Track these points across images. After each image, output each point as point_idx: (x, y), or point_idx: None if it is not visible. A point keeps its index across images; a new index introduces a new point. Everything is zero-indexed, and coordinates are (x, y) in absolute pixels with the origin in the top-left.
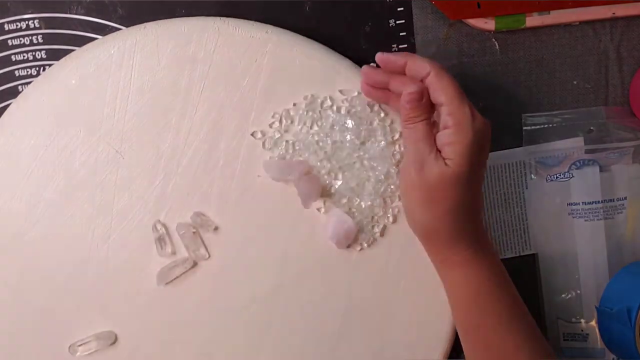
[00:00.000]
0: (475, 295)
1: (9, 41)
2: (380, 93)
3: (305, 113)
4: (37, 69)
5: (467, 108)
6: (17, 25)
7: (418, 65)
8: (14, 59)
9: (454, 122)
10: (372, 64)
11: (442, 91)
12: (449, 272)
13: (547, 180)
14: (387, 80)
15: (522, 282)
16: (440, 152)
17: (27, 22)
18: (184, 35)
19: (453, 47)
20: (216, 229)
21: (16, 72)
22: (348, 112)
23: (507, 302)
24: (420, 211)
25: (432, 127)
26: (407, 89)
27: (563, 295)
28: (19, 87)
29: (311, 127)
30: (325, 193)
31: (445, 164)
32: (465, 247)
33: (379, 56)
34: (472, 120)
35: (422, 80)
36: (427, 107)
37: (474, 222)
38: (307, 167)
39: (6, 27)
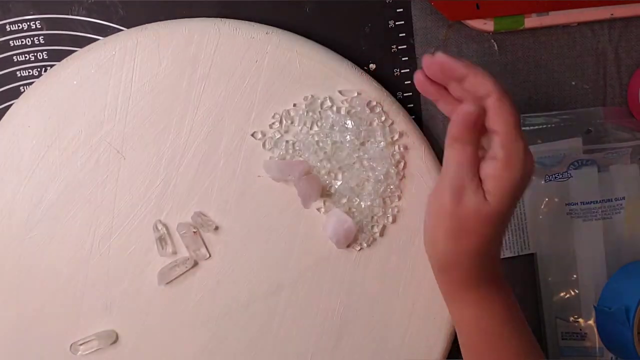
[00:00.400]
0: (485, 335)
1: (11, 42)
2: (435, 88)
3: (305, 113)
4: (39, 69)
5: (522, 144)
6: (18, 26)
7: (480, 81)
8: (15, 60)
9: (506, 156)
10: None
11: (501, 119)
12: (459, 310)
13: (545, 180)
14: (448, 80)
15: (520, 281)
16: (481, 182)
17: (28, 23)
18: (184, 36)
19: (452, 48)
20: (216, 228)
21: (18, 72)
22: (348, 112)
23: (519, 342)
24: (445, 242)
25: (478, 152)
26: (466, 107)
27: (561, 295)
28: (21, 88)
29: (311, 128)
30: (325, 193)
31: (485, 197)
32: (481, 286)
33: (441, 57)
34: (525, 159)
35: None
36: (480, 131)
37: (494, 260)
38: (307, 168)
39: (8, 28)
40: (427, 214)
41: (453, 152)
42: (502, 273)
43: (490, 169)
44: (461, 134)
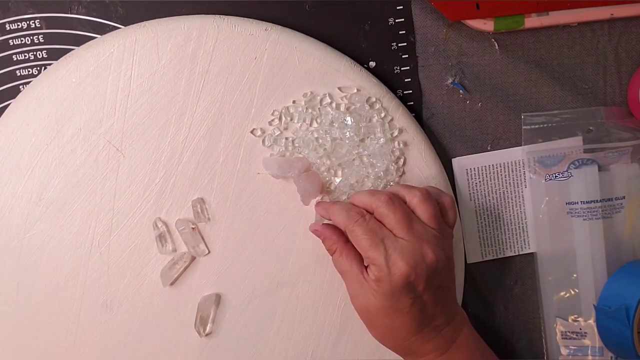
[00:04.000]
0: None
1: (10, 41)
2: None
3: (304, 110)
4: (38, 68)
5: (383, 261)
6: (18, 25)
7: (337, 222)
8: (15, 59)
9: (373, 273)
10: None
11: (357, 245)
12: None
13: (546, 180)
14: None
15: (521, 280)
16: (365, 276)
17: (28, 22)
18: (183, 33)
19: (453, 46)
20: (209, 219)
21: (17, 71)
22: (347, 109)
23: None
24: (371, 331)
25: (347, 253)
26: (311, 227)
27: (561, 294)
28: (20, 87)
29: (310, 125)
30: (324, 190)
31: (369, 294)
32: (427, 354)
33: (315, 208)
34: (390, 273)
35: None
36: (331, 240)
37: (421, 338)
38: (307, 164)
39: (7, 26)
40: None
41: (334, 262)
42: (459, 315)
43: (369, 277)
44: (326, 246)
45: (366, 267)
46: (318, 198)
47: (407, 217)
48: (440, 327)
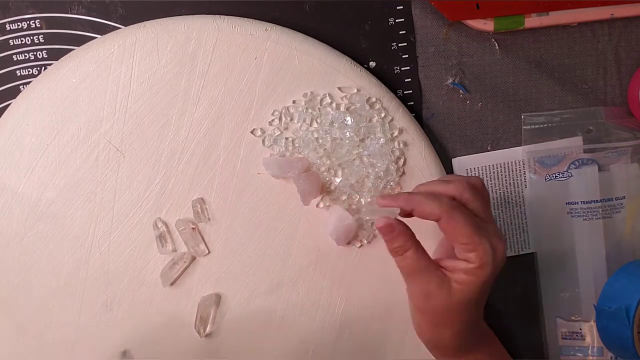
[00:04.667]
0: None
1: (10, 41)
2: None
3: (304, 110)
4: (39, 68)
5: (488, 244)
6: (18, 25)
7: (426, 212)
8: (15, 59)
9: (476, 259)
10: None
11: (458, 233)
12: None
13: (546, 180)
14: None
15: (521, 281)
16: (444, 271)
17: (28, 22)
18: (183, 33)
19: (453, 46)
20: (209, 219)
21: (17, 72)
22: (347, 109)
23: None
24: (430, 332)
25: (421, 250)
26: (377, 224)
27: (562, 294)
28: (21, 87)
29: (311, 125)
30: (324, 190)
31: (452, 290)
32: (469, 352)
33: (379, 202)
34: (494, 256)
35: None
36: (405, 236)
37: (479, 329)
38: (307, 164)
39: (7, 27)
40: (410, 310)
41: (398, 263)
42: (489, 332)
43: (463, 268)
44: (390, 245)
45: (438, 265)
46: (318, 198)
47: (488, 204)
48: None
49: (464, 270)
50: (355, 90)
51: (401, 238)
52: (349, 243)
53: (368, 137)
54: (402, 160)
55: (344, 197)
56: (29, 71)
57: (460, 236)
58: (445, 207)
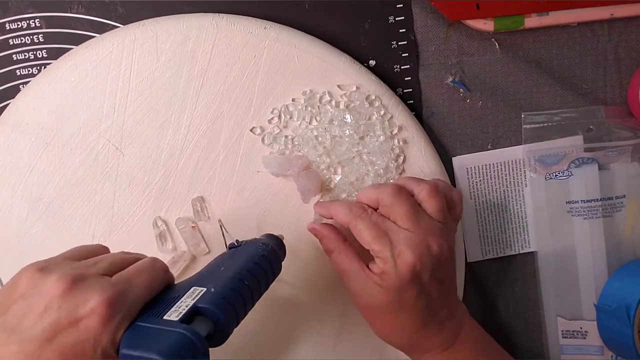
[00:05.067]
0: None
1: (10, 40)
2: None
3: (304, 108)
4: (38, 68)
5: (389, 253)
6: (18, 25)
7: (340, 219)
8: (15, 58)
9: (379, 266)
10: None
11: (362, 240)
12: None
13: (546, 179)
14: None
15: (521, 279)
16: (368, 272)
17: (28, 21)
18: (182, 32)
19: (453, 45)
20: (209, 218)
21: (17, 71)
22: (347, 106)
23: None
24: (373, 328)
25: (348, 251)
26: (309, 226)
27: (562, 293)
28: (20, 87)
29: (310, 122)
30: (324, 188)
31: (373, 291)
32: (431, 350)
33: (315, 208)
34: (396, 264)
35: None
36: (329, 240)
37: (429, 330)
38: (307, 162)
39: (7, 26)
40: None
41: (332, 262)
42: (460, 309)
43: (374, 270)
44: (322, 245)
45: (367, 265)
46: (318, 196)
47: (414, 209)
48: (444, 321)
49: (375, 273)
50: (355, 88)
51: (325, 241)
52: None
53: (367, 135)
54: (401, 157)
55: (344, 195)
56: (28, 70)
57: (363, 242)
58: (353, 215)
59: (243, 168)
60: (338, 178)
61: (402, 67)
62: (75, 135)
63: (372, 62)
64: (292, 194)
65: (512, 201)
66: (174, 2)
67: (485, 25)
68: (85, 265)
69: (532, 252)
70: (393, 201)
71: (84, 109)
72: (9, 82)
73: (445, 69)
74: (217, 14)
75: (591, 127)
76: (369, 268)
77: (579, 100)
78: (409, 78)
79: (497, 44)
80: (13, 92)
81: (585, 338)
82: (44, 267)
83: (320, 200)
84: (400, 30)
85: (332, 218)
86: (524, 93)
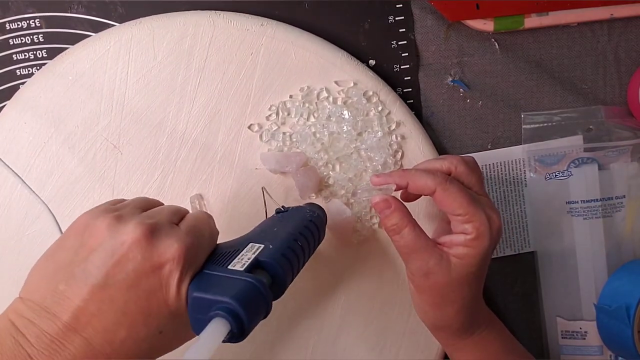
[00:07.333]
0: None
1: (10, 40)
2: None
3: (301, 105)
4: (38, 68)
5: (484, 214)
6: (18, 25)
7: (421, 186)
8: (15, 58)
9: (473, 229)
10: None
11: (454, 204)
12: (459, 355)
13: (546, 179)
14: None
15: (521, 279)
16: (442, 248)
17: (28, 21)
18: (179, 29)
19: (453, 45)
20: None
21: (17, 71)
22: (344, 103)
23: None
24: (432, 311)
25: (418, 228)
26: (373, 201)
27: (562, 293)
28: (20, 86)
29: (308, 119)
30: (323, 184)
31: (451, 265)
32: (475, 332)
33: (374, 180)
34: (490, 227)
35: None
36: (402, 214)
37: (480, 307)
38: (305, 159)
39: (7, 26)
40: (410, 292)
41: (395, 242)
42: (490, 312)
43: (461, 240)
44: (386, 222)
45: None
46: (314, 194)
47: (482, 179)
48: (481, 300)
49: (462, 243)
50: (352, 84)
51: (397, 215)
52: (347, 237)
53: (365, 131)
54: (399, 153)
55: (342, 191)
56: (28, 70)
57: (455, 207)
58: (440, 179)
59: (241, 165)
60: (336, 174)
61: (401, 67)
62: (73, 133)
63: (372, 62)
64: (290, 190)
65: (512, 201)
66: (174, 3)
67: (485, 25)
68: (153, 214)
69: (532, 252)
70: (467, 169)
71: (82, 107)
72: (8, 82)
73: (445, 69)
74: (214, 11)
75: (591, 127)
76: (439, 244)
77: (578, 100)
78: (409, 78)
79: (497, 44)
80: (13, 92)
81: (584, 338)
82: (119, 216)
83: (381, 173)
84: (400, 30)
85: (403, 188)
86: (524, 93)
